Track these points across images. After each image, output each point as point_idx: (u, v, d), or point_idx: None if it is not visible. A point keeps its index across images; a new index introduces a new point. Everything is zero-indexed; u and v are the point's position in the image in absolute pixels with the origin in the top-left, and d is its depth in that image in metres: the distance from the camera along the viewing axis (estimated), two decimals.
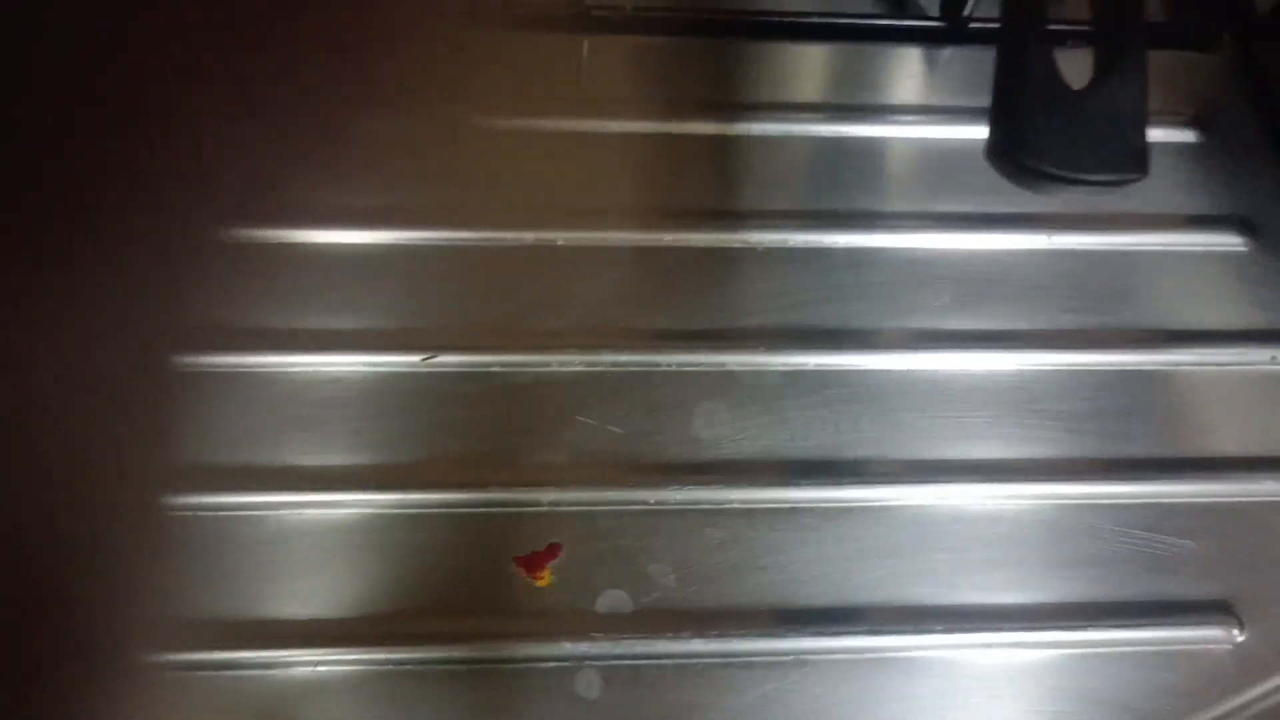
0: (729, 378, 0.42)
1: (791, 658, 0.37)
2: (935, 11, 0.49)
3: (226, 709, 0.35)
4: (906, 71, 0.49)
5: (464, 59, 0.45)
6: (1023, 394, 0.42)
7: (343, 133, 0.41)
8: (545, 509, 0.39)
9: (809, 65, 0.49)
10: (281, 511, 0.38)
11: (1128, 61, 0.31)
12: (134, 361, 0.38)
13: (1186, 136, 0.49)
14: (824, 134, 0.47)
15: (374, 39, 0.44)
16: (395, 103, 0.44)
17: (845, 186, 0.46)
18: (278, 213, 0.41)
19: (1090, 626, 0.38)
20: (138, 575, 0.36)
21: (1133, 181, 0.32)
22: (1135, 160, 0.32)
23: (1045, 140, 0.31)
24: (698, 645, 0.37)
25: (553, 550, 0.38)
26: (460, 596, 0.37)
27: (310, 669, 0.36)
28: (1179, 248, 0.46)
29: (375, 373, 0.40)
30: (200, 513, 0.38)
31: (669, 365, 0.41)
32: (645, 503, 0.39)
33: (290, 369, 0.40)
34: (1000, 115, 0.33)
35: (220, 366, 0.40)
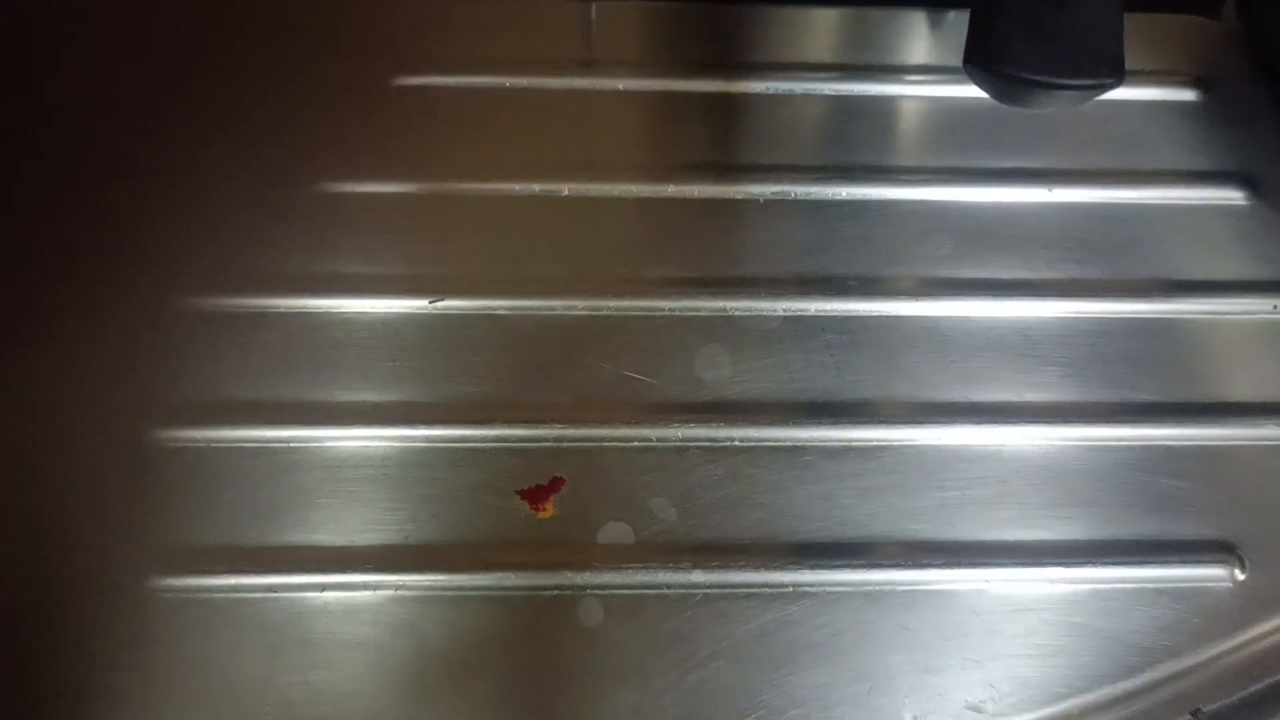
0: (730, 322, 0.42)
1: (791, 589, 0.38)
2: None
3: (237, 630, 0.36)
4: (911, 34, 0.50)
5: (480, 23, 0.47)
6: (1023, 340, 0.43)
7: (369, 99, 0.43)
8: (549, 445, 0.40)
9: (815, 28, 0.50)
10: (292, 445, 0.39)
11: None
12: (144, 306, 0.39)
13: (1189, 96, 0.49)
14: (829, 92, 0.48)
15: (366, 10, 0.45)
16: (417, 65, 0.45)
17: (849, 142, 0.47)
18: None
19: (1090, 564, 0.39)
20: (144, 507, 0.37)
21: (1109, 88, 0.32)
22: (1111, 67, 0.32)
23: (1023, 49, 0.32)
24: (698, 576, 0.38)
25: (556, 484, 0.39)
26: (465, 527, 0.38)
27: (317, 593, 0.36)
28: (1181, 202, 0.46)
29: (385, 315, 0.42)
30: (211, 445, 0.39)
31: (670, 310, 0.42)
32: (647, 440, 0.40)
33: (301, 311, 0.41)
34: (979, 26, 0.33)
35: (230, 309, 0.41)
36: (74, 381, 0.39)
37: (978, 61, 0.33)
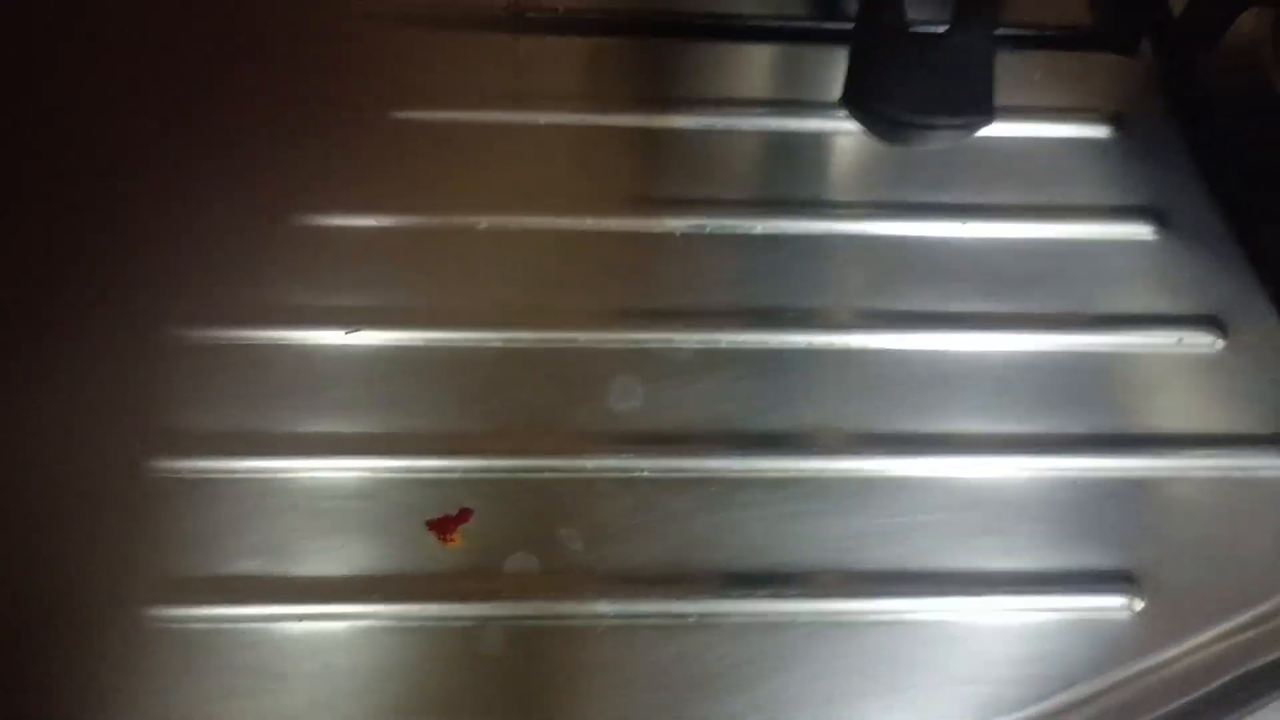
0: (644, 354, 0.43)
1: (694, 619, 0.38)
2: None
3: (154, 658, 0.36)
4: (829, 71, 0.51)
5: (400, 58, 0.47)
6: (933, 372, 0.43)
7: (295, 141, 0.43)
8: (460, 476, 0.40)
9: (735, 65, 0.51)
10: (209, 476, 0.39)
11: (978, 14, 0.33)
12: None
13: (1102, 133, 0.50)
14: (745, 128, 0.49)
15: (315, 44, 0.46)
16: (337, 102, 0.46)
17: (763, 176, 0.48)
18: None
19: (991, 592, 0.39)
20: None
21: (980, 126, 0.33)
22: (980, 105, 0.33)
23: (895, 90, 0.32)
24: (603, 607, 0.38)
25: (464, 515, 0.39)
26: (375, 558, 0.38)
27: (217, 626, 0.37)
28: (1091, 237, 0.47)
29: (303, 345, 0.42)
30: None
31: (585, 342, 0.43)
32: (556, 470, 0.40)
33: (219, 343, 0.42)
34: (855, 67, 0.34)
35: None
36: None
37: (854, 101, 0.34)
